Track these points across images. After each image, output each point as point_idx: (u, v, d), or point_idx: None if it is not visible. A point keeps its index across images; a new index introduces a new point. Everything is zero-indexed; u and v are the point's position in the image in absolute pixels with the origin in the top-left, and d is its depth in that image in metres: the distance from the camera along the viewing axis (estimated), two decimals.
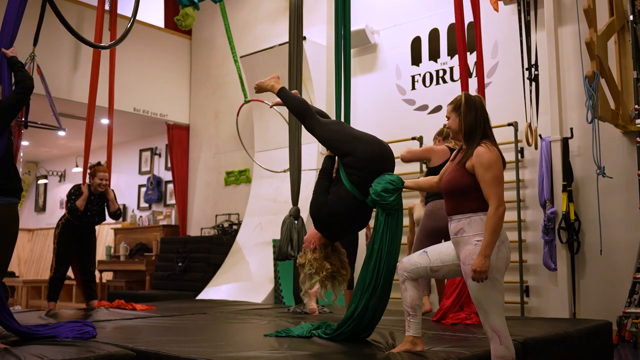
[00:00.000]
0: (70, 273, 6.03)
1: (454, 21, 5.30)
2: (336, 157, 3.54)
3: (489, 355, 2.83)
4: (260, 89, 3.85)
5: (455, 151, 3.09)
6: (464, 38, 5.20)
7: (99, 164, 5.89)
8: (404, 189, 3.34)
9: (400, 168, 3.96)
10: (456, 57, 7.03)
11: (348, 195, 3.32)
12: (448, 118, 3.04)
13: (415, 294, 3.05)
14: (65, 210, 5.76)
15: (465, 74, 5.18)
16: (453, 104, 3.03)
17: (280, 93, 3.72)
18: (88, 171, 5.82)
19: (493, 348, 2.79)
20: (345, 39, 4.40)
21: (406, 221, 5.78)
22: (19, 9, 4.03)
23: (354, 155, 3.33)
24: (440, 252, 3.01)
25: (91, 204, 5.70)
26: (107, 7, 6.61)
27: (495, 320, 2.77)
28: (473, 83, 6.83)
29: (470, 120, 2.92)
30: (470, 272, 2.77)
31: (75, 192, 5.70)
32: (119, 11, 6.79)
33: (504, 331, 2.78)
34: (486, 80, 6.81)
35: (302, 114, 3.61)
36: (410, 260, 3.09)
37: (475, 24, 5.28)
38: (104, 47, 4.05)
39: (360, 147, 3.35)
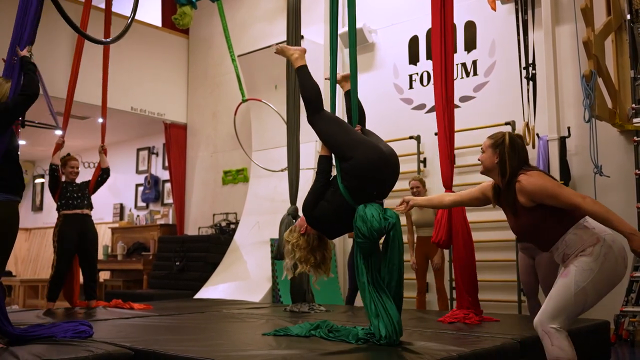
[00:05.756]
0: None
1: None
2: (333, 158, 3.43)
3: (488, 353, 2.81)
4: (280, 53, 3.56)
5: (494, 191, 3.01)
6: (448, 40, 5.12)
7: (68, 155, 6.03)
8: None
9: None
10: (455, 56, 7.02)
11: (340, 200, 3.23)
12: (483, 151, 2.97)
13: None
14: (50, 192, 5.84)
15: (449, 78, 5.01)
16: (494, 139, 2.94)
17: (300, 71, 3.43)
18: (59, 163, 5.87)
19: (547, 351, 2.71)
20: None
21: (404, 221, 5.79)
22: (35, 8, 3.92)
23: (352, 162, 3.18)
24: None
25: (74, 190, 5.83)
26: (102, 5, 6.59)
27: (551, 322, 2.71)
28: (470, 82, 6.87)
29: (513, 164, 2.86)
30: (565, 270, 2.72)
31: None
32: (113, 9, 6.75)
33: (555, 334, 2.70)
34: (484, 79, 6.83)
35: (312, 103, 3.38)
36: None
37: (436, 31, 5.24)
38: (104, 42, 4.08)
39: (360, 155, 3.18)
